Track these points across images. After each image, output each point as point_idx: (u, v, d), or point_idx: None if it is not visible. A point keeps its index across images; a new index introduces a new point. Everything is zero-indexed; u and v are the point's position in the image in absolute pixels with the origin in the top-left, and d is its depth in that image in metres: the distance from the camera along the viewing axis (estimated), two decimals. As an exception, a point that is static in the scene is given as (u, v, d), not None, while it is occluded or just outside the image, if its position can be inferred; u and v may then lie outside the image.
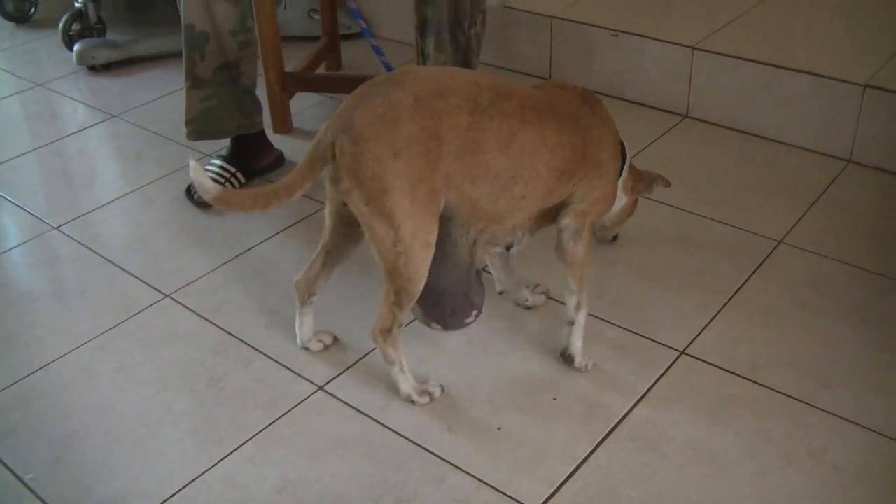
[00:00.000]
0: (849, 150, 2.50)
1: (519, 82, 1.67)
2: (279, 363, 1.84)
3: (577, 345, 1.80)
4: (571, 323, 1.79)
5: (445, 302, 1.68)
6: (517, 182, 1.60)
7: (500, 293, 1.98)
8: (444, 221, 1.60)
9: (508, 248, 1.77)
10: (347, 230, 1.70)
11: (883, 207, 2.30)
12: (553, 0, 3.00)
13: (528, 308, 1.96)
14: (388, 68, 2.19)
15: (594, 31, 2.83)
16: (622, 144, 1.86)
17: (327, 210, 1.70)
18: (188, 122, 2.31)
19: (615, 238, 2.16)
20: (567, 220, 1.72)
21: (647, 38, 2.75)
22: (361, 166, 1.49)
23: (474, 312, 1.72)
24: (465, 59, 2.16)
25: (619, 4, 3.00)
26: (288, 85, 2.65)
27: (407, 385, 1.71)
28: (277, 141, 2.58)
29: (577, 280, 1.75)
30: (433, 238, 1.58)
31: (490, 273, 1.98)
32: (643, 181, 1.96)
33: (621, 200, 1.94)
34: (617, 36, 2.79)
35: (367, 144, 1.48)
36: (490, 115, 1.55)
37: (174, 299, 2.03)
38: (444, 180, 1.54)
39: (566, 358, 1.81)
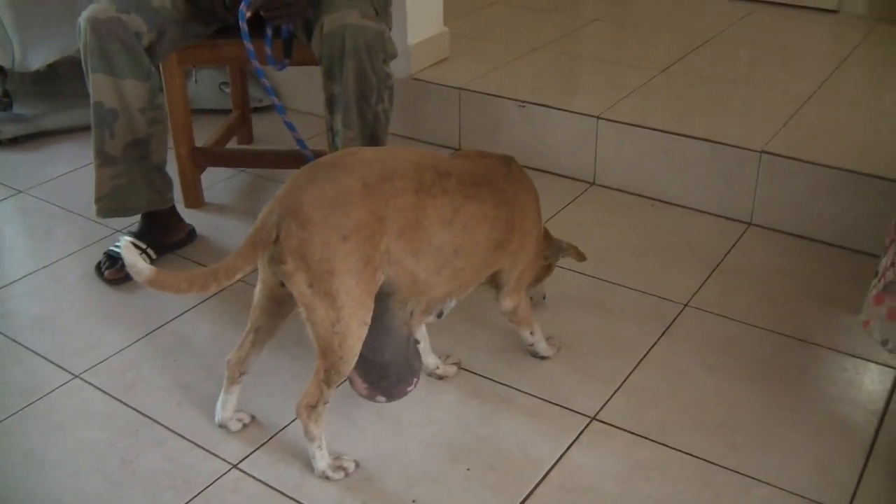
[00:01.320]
0: (749, 214, 2.59)
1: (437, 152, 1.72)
2: (192, 442, 1.82)
3: (542, 348, 2.02)
4: (532, 345, 2.01)
5: (391, 373, 1.71)
6: (459, 255, 1.68)
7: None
8: (383, 297, 1.64)
9: (439, 315, 1.82)
10: (278, 308, 1.72)
11: (782, 268, 2.38)
12: (461, 72, 3.08)
13: (440, 378, 1.98)
14: (302, 144, 2.22)
15: (502, 101, 2.90)
16: None
17: (258, 289, 1.71)
18: (98, 200, 2.30)
19: (544, 297, 2.21)
20: (505, 304, 1.91)
21: (553, 108, 2.82)
22: (309, 250, 1.51)
23: (415, 380, 1.76)
24: (373, 134, 2.19)
25: (526, 76, 3.08)
26: (199, 160, 2.65)
27: (323, 462, 1.71)
28: (189, 216, 2.58)
29: (526, 328, 1.98)
30: (370, 317, 1.61)
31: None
32: (551, 248, 2.02)
33: None
34: (524, 106, 2.86)
35: (315, 228, 1.51)
36: (433, 194, 1.63)
37: (84, 379, 2.00)
38: (385, 257, 1.59)
39: (538, 357, 2.04)
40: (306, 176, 1.58)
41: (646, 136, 2.69)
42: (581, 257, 2.07)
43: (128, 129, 2.24)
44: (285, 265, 1.54)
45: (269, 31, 2.24)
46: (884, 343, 1.70)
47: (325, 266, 1.52)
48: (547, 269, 2.09)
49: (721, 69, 3.17)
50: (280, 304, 1.71)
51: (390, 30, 2.27)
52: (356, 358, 1.63)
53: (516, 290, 1.90)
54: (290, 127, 2.21)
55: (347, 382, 1.71)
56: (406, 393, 1.76)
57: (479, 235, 1.71)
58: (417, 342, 1.78)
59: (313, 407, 1.65)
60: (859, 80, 3.09)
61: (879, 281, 1.69)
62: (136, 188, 2.31)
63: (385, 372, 1.70)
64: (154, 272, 1.51)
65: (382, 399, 1.74)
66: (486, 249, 1.74)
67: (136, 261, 1.50)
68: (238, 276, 1.55)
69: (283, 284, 1.60)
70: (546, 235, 2.02)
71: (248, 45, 2.15)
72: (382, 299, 1.64)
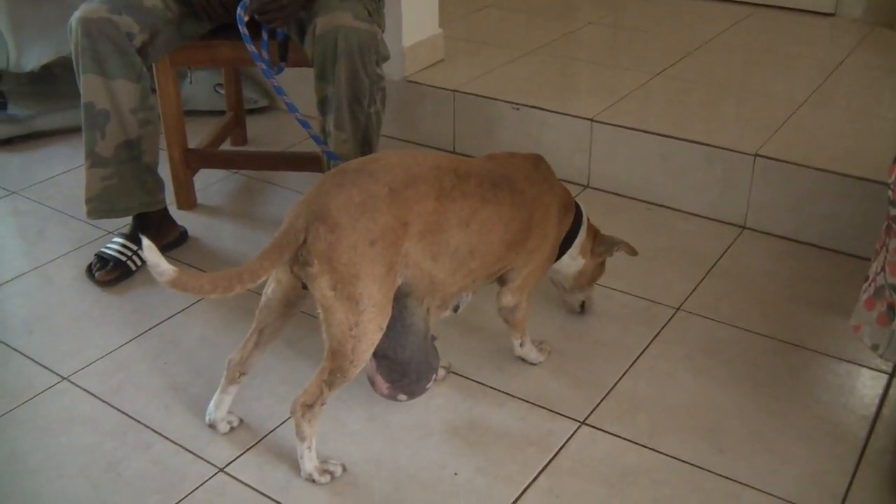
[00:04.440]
0: (743, 217, 2.58)
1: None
2: (179, 445, 1.81)
3: (532, 357, 2.02)
4: (521, 356, 2.01)
5: (412, 370, 1.73)
6: (474, 256, 1.71)
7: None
8: (401, 296, 1.66)
9: (455, 309, 1.84)
10: (286, 310, 1.73)
11: (774, 272, 2.37)
12: (455, 74, 3.07)
13: (431, 381, 1.97)
14: (317, 140, 2.21)
15: (496, 104, 2.89)
16: (577, 206, 1.98)
17: (271, 290, 1.70)
18: (88, 201, 2.29)
19: (582, 308, 2.18)
20: (506, 299, 1.91)
21: (548, 111, 2.82)
22: (337, 253, 1.52)
23: (434, 376, 1.78)
24: (365, 136, 2.18)
25: (520, 78, 3.07)
26: (191, 161, 2.64)
27: (310, 464, 1.70)
28: (181, 217, 2.57)
29: (519, 333, 1.98)
30: (386, 322, 1.62)
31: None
32: (603, 244, 2.04)
33: (577, 263, 2.03)
34: (518, 109, 2.85)
35: (343, 232, 1.52)
36: (453, 198, 1.65)
37: (72, 381, 1.99)
38: (403, 260, 1.61)
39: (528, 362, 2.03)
40: (333, 181, 1.59)
41: (640, 140, 2.69)
42: (633, 252, 2.07)
43: (119, 129, 2.23)
44: (311, 267, 1.54)
45: (264, 35, 2.23)
46: (874, 348, 1.69)
47: (351, 270, 1.53)
48: (601, 267, 2.10)
49: (716, 73, 3.16)
50: (290, 305, 1.71)
51: (383, 32, 2.27)
52: (365, 363, 1.63)
53: (520, 289, 1.90)
54: (304, 125, 2.21)
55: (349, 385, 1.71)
56: (425, 390, 1.78)
57: (493, 236, 1.73)
58: (434, 338, 1.79)
59: (310, 406, 1.64)
60: (854, 84, 3.08)
61: (870, 285, 1.69)
62: (128, 189, 2.31)
63: (406, 369, 1.72)
64: (177, 272, 1.49)
65: (404, 397, 1.76)
66: (499, 249, 1.76)
67: (159, 261, 1.48)
68: (262, 278, 1.55)
69: (305, 287, 1.60)
70: (597, 234, 2.04)
71: (251, 47, 2.15)
72: (400, 299, 1.66)
